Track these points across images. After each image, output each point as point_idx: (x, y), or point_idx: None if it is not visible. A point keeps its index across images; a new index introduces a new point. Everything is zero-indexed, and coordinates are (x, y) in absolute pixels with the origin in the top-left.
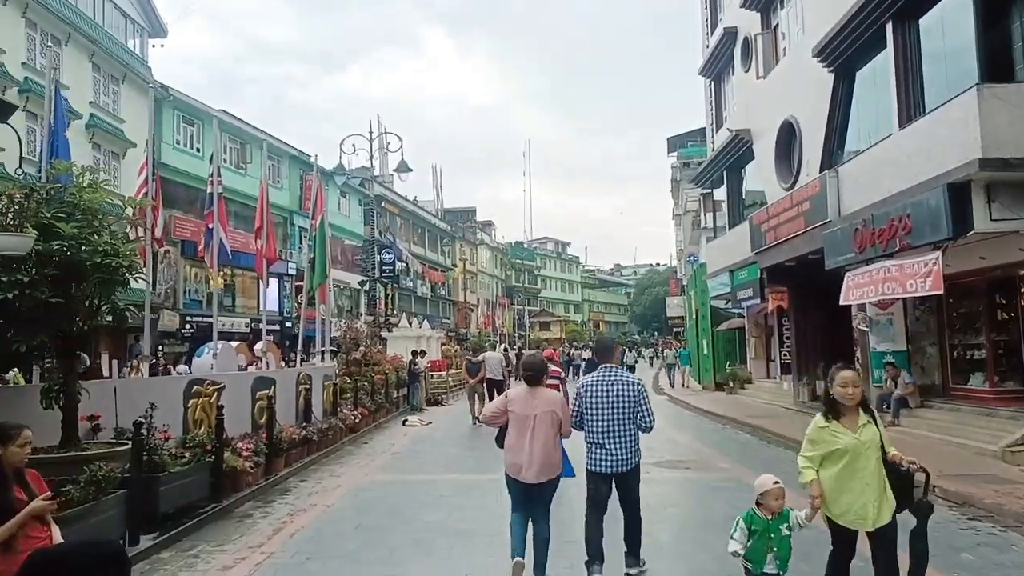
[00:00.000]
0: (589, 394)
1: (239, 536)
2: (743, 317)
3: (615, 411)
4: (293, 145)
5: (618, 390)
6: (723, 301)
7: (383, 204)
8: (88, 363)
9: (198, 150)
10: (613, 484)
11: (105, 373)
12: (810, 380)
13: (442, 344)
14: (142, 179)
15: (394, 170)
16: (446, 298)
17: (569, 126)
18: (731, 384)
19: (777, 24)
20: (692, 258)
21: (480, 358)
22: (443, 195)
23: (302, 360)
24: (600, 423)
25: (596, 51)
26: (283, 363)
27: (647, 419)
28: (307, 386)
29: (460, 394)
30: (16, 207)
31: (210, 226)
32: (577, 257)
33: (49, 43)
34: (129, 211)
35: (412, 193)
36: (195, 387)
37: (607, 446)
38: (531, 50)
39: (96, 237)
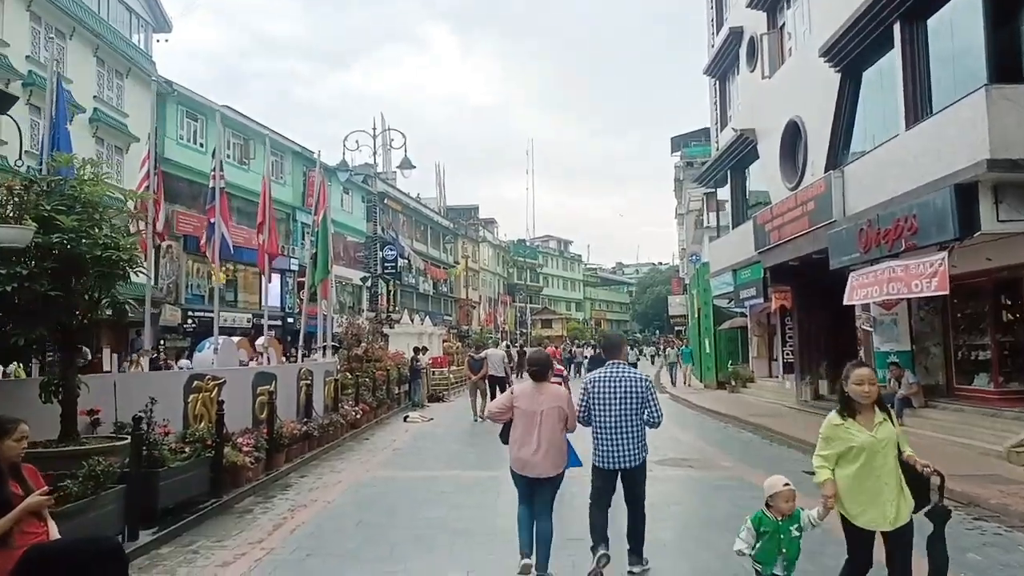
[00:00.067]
0: (597, 390)
1: (239, 532)
2: (746, 316)
3: (623, 407)
4: (296, 141)
5: (627, 386)
6: (726, 300)
7: (386, 201)
8: (89, 357)
9: (201, 145)
10: (619, 480)
11: (106, 367)
12: (813, 379)
13: (444, 341)
14: (143, 173)
15: (397, 166)
16: (448, 295)
17: (569, 126)
18: (733, 383)
19: (783, 24)
20: (695, 257)
21: (482, 355)
22: (446, 192)
23: (303, 356)
24: (608, 419)
25: (596, 51)
26: (284, 359)
27: (655, 415)
28: (308, 382)
29: (461, 391)
30: (16, 199)
31: (212, 221)
32: (579, 255)
33: (53, 37)
34: (130, 205)
35: (414, 191)
36: (196, 382)
37: (615, 441)
38: (532, 50)
39: (96, 230)
